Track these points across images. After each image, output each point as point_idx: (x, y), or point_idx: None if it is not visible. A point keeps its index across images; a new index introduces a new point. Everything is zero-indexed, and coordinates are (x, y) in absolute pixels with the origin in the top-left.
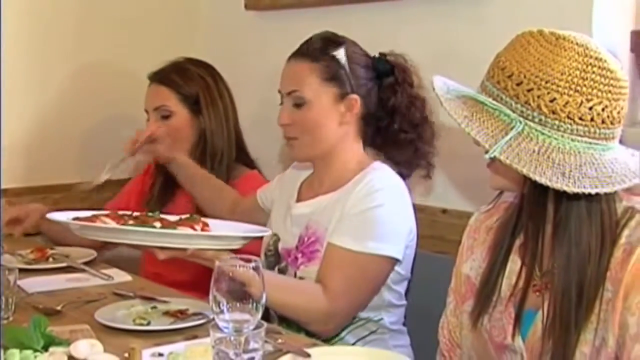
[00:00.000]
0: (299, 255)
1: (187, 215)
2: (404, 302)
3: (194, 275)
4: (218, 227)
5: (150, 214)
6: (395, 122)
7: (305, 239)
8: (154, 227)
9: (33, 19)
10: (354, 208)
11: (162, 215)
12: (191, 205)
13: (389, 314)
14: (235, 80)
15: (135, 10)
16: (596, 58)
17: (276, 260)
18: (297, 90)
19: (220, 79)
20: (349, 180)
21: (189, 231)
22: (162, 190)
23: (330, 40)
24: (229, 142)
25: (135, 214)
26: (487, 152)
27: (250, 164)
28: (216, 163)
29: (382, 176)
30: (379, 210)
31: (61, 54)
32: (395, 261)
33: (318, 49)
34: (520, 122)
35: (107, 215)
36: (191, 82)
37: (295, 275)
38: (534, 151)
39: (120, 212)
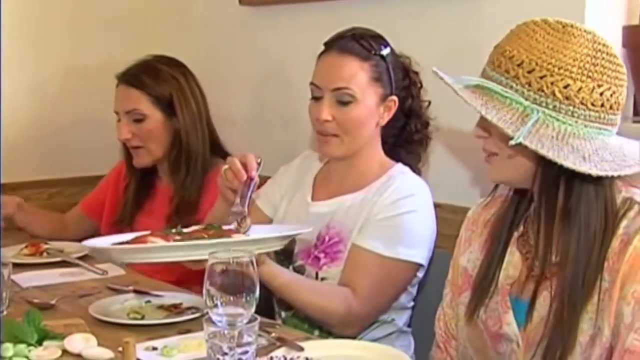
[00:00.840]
0: (322, 256)
1: (203, 226)
2: (413, 303)
3: (180, 275)
4: (252, 231)
5: (173, 230)
6: (411, 123)
7: (327, 238)
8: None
9: (28, 18)
10: (384, 212)
11: (184, 230)
12: (168, 207)
13: (399, 316)
14: (229, 75)
15: (130, 6)
16: (604, 45)
17: (288, 259)
18: (347, 88)
19: (191, 76)
20: (372, 181)
21: (240, 237)
22: (136, 193)
23: (379, 38)
24: (204, 141)
25: (173, 230)
26: (511, 138)
27: (225, 156)
28: (192, 165)
29: (411, 182)
30: (410, 217)
31: (54, 51)
32: (419, 266)
33: (367, 47)
34: (536, 109)
35: (152, 235)
36: (163, 83)
37: (317, 276)
38: (552, 137)
39: (163, 232)
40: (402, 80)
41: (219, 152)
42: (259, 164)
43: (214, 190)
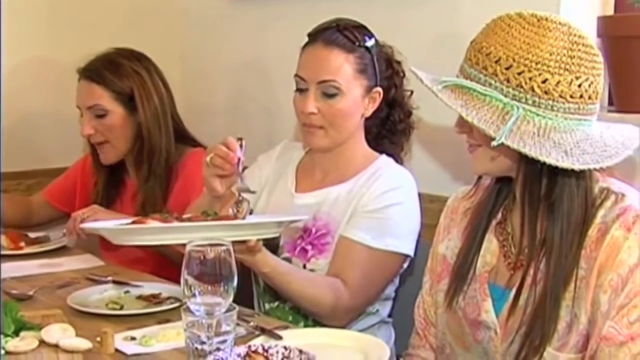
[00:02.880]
0: (309, 248)
1: (199, 213)
2: (394, 294)
3: (152, 267)
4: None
5: (168, 215)
6: (395, 113)
7: (313, 230)
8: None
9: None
10: (372, 204)
11: (184, 217)
12: (137, 202)
13: (383, 307)
14: (212, 66)
15: None
16: (579, 36)
17: (273, 252)
18: (332, 81)
19: (154, 70)
20: (358, 172)
21: (239, 221)
22: (106, 188)
23: (363, 29)
24: (167, 135)
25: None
26: (493, 139)
27: (193, 144)
28: (154, 159)
29: (398, 174)
30: (397, 208)
31: (35, 42)
32: (406, 257)
33: (352, 39)
34: (516, 106)
35: (150, 218)
36: (125, 78)
37: (304, 268)
38: (534, 133)
39: (162, 215)
40: (386, 71)
41: (187, 141)
42: (241, 145)
43: (183, 177)
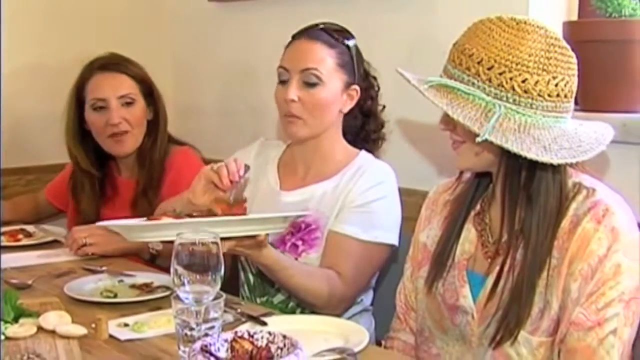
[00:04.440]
0: (299, 243)
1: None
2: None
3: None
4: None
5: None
6: (370, 123)
7: (302, 225)
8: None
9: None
10: (359, 200)
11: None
12: (130, 198)
13: (367, 295)
14: (199, 69)
15: (101, 2)
16: (555, 38)
17: None
18: (315, 69)
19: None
20: (341, 168)
21: (250, 216)
22: (97, 189)
23: (345, 31)
24: (165, 129)
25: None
26: (477, 135)
27: (177, 143)
28: (156, 154)
29: (381, 169)
30: (382, 202)
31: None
32: (392, 247)
33: (335, 37)
34: (498, 104)
35: (164, 215)
36: (141, 71)
37: None
38: (515, 130)
39: (174, 213)
40: (364, 82)
41: (171, 140)
42: (246, 171)
43: (172, 173)
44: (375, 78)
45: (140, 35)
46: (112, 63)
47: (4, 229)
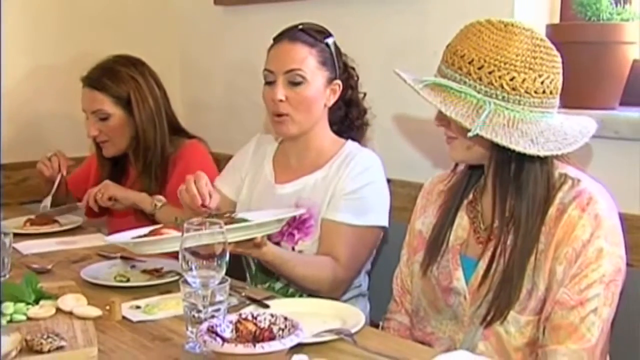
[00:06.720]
0: (295, 232)
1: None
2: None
3: None
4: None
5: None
6: (352, 111)
7: (297, 215)
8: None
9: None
10: (349, 187)
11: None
12: (137, 189)
13: (364, 279)
14: (206, 67)
15: (111, 4)
16: (540, 39)
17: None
18: (298, 69)
19: (149, 73)
20: (330, 159)
21: (247, 222)
22: (111, 179)
23: (324, 31)
24: (162, 131)
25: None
26: (468, 130)
27: (187, 136)
28: (149, 154)
29: (367, 156)
30: (371, 187)
31: (43, 46)
32: (383, 229)
33: (313, 36)
34: (488, 101)
35: (165, 227)
36: (122, 84)
37: (293, 250)
38: (504, 125)
39: (176, 223)
40: (343, 74)
41: (181, 134)
42: (210, 196)
43: (180, 166)
44: (353, 68)
45: (152, 37)
46: (91, 78)
47: (32, 216)
